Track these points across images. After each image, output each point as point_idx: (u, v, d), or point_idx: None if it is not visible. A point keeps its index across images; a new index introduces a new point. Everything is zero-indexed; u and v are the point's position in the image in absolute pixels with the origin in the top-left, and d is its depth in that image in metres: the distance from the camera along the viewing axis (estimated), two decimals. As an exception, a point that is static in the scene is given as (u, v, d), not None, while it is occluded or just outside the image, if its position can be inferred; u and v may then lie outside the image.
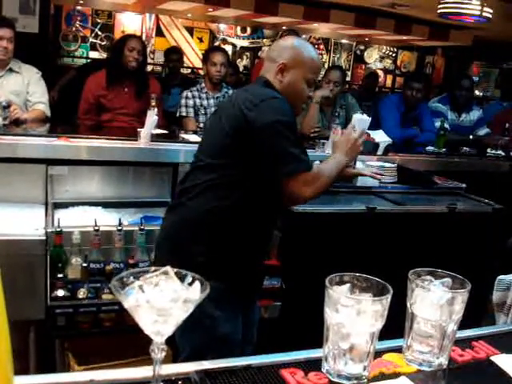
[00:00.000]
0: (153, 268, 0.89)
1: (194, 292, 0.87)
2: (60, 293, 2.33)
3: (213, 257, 1.88)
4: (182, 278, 0.89)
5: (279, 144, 1.82)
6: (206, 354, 1.88)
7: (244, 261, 1.97)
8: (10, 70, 3.63)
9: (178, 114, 4.28)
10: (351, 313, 0.99)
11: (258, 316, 2.28)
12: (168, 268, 0.89)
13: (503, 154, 4.46)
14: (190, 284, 0.88)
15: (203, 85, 4.30)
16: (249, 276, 2.01)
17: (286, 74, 1.97)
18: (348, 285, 1.05)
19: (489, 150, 4.52)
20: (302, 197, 1.86)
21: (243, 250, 1.95)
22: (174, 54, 5.87)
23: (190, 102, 4.23)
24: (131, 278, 0.88)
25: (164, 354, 0.89)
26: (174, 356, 2.31)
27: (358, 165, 3.43)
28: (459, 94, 5.00)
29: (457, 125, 5.04)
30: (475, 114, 5.14)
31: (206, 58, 4.33)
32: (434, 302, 1.08)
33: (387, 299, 1.00)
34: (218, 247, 1.90)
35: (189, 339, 1.88)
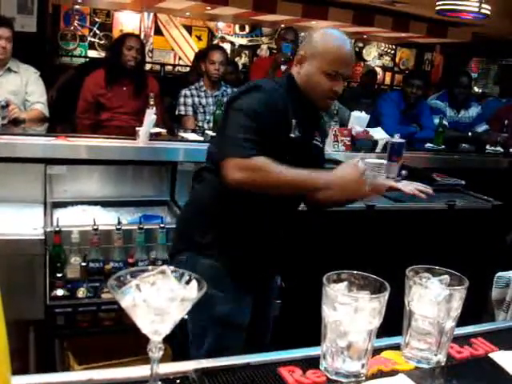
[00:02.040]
0: (150, 267, 0.89)
1: (191, 291, 0.87)
2: (59, 292, 2.33)
3: (207, 235, 1.92)
4: (179, 277, 0.89)
5: (230, 127, 1.79)
6: (205, 336, 1.91)
7: (240, 240, 1.93)
8: (9, 70, 3.62)
9: (176, 113, 4.28)
10: (349, 310, 0.99)
11: (272, 310, 2.23)
12: (165, 267, 0.89)
13: (502, 150, 4.45)
14: (187, 283, 0.89)
15: (202, 83, 4.30)
16: (247, 258, 1.96)
17: (303, 65, 1.91)
18: (345, 283, 1.05)
19: (488, 147, 4.52)
20: (229, 179, 1.73)
21: (239, 230, 1.93)
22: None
23: (189, 101, 4.24)
24: (128, 277, 0.88)
25: (162, 352, 0.89)
26: (173, 355, 2.32)
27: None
28: (457, 91, 4.99)
29: (455, 121, 5.04)
30: (474, 111, 5.14)
31: (204, 56, 4.33)
32: (432, 299, 1.08)
33: (385, 297, 1.00)
34: (214, 226, 1.93)
35: (190, 321, 1.94)
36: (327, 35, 1.92)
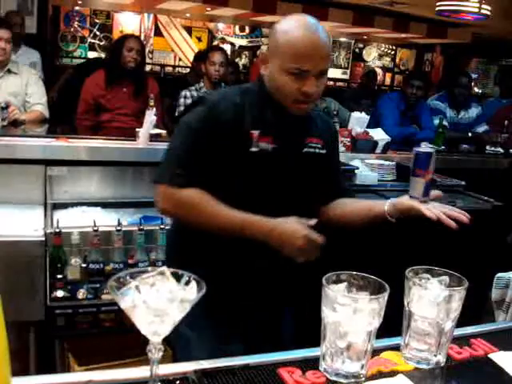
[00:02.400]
0: (149, 268, 0.89)
1: (191, 292, 0.87)
2: (59, 293, 2.32)
3: (174, 259, 1.77)
4: (178, 278, 0.89)
5: (170, 146, 1.64)
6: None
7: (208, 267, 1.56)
8: (9, 71, 3.62)
9: (176, 114, 4.29)
10: (348, 311, 0.99)
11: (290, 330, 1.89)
12: (164, 268, 0.89)
13: (502, 151, 4.46)
14: (187, 284, 0.89)
15: (202, 84, 4.30)
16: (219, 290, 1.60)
17: (267, 66, 1.61)
18: (345, 283, 1.05)
19: (488, 148, 4.52)
20: (158, 206, 1.61)
21: (205, 257, 1.65)
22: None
23: (189, 102, 4.24)
24: (128, 279, 0.88)
25: (161, 353, 0.89)
26: (174, 356, 2.32)
27: (356, 163, 3.44)
28: (457, 91, 5.00)
29: (456, 122, 5.04)
30: (474, 112, 5.14)
31: (205, 57, 4.33)
32: (432, 299, 1.08)
33: (384, 297, 1.00)
34: (180, 250, 1.75)
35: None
36: (287, 25, 1.57)
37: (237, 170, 1.58)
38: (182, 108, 4.24)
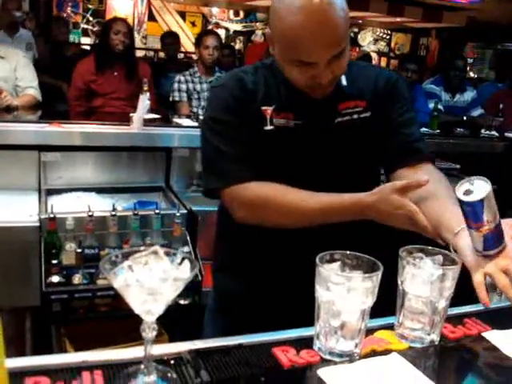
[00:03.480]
0: (142, 247, 0.89)
1: (184, 271, 0.87)
2: (55, 279, 2.33)
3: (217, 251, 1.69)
4: (171, 258, 0.89)
5: (206, 150, 1.46)
6: None
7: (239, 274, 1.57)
8: None
9: (171, 99, 4.27)
10: (342, 290, 0.99)
11: None
12: (157, 247, 0.89)
13: (497, 134, 4.45)
14: (180, 263, 0.89)
15: (196, 69, 4.29)
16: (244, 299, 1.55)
17: (273, 48, 1.37)
18: (339, 263, 1.05)
19: (483, 131, 4.52)
20: (235, 218, 1.41)
21: (239, 258, 1.56)
22: (170, 38, 5.85)
23: (183, 87, 4.22)
24: (121, 258, 0.88)
25: (155, 333, 0.89)
26: (170, 339, 2.33)
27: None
28: (453, 75, 4.99)
29: (451, 106, 5.04)
30: (469, 95, 5.14)
31: (198, 41, 4.31)
32: (425, 278, 1.08)
33: (377, 276, 1.01)
34: (221, 245, 1.66)
35: None
36: (284, 6, 1.26)
37: (258, 151, 1.41)
38: (176, 93, 4.22)
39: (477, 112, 5.04)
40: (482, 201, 1.08)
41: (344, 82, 1.44)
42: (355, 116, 1.44)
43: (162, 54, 8.31)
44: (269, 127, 1.40)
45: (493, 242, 1.11)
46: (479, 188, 1.10)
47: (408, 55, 8.85)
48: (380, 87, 1.47)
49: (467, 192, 1.10)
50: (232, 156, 1.39)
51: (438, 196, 1.30)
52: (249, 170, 1.38)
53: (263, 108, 1.40)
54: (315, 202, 1.31)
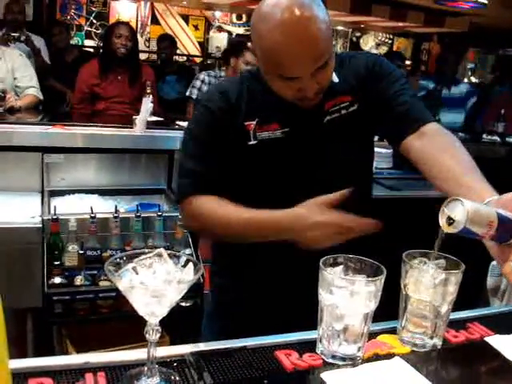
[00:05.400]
0: (146, 250, 0.90)
1: (188, 273, 0.87)
2: (57, 280, 2.33)
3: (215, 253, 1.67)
4: (175, 260, 0.90)
5: (180, 160, 1.47)
6: None
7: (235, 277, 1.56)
8: None
9: (187, 94, 4.23)
10: (345, 294, 1.00)
11: None
12: (161, 250, 0.89)
13: (499, 139, 4.46)
14: (184, 265, 0.89)
15: (223, 73, 4.20)
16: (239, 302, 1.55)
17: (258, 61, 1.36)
18: (342, 266, 1.05)
19: (484, 136, 4.52)
20: (184, 226, 1.53)
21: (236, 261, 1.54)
22: (166, 41, 5.83)
23: (205, 88, 4.15)
24: (125, 261, 0.88)
25: (158, 335, 0.90)
26: (171, 342, 2.33)
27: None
28: (446, 67, 4.96)
29: (448, 98, 5.02)
30: (464, 87, 5.12)
31: (238, 52, 4.00)
32: (428, 282, 1.08)
33: (381, 280, 1.01)
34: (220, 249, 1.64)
35: None
36: (262, 23, 1.24)
37: (241, 167, 1.40)
38: (195, 90, 4.18)
39: (472, 101, 5.02)
40: (465, 227, 1.03)
41: (335, 79, 1.41)
42: (343, 111, 1.42)
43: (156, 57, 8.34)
44: (252, 142, 1.39)
45: (506, 237, 1.04)
46: (457, 211, 1.05)
47: (391, 52, 8.90)
48: (361, 74, 1.44)
49: (449, 220, 1.06)
50: (192, 169, 1.40)
51: (445, 170, 1.28)
52: (207, 184, 1.38)
53: (246, 123, 1.39)
54: (248, 211, 1.30)
